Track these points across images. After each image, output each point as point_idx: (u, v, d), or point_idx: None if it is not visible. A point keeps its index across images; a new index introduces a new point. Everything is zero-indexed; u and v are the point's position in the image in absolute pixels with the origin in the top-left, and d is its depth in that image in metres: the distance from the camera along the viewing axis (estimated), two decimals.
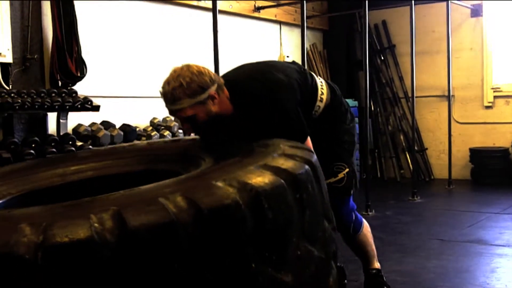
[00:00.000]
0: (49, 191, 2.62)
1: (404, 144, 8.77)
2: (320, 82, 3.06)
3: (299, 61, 6.81)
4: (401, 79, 8.86)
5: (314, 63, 8.74)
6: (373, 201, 6.16)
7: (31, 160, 3.72)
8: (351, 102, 8.29)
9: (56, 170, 2.75)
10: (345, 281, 3.41)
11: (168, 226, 1.53)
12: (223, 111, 2.67)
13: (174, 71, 2.58)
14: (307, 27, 6.91)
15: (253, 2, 7.62)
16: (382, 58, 9.01)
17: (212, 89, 2.59)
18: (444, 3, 7.76)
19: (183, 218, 1.56)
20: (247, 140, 2.42)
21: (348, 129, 3.18)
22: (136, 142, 3.25)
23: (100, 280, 1.45)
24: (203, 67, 2.62)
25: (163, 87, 2.58)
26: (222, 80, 2.69)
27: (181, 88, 2.53)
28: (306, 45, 6.25)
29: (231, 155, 2.16)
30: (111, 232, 1.47)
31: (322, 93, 3.02)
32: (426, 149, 8.71)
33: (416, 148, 7.57)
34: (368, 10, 6.20)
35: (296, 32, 8.21)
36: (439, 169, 8.62)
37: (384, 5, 8.40)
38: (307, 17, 6.34)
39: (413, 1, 6.89)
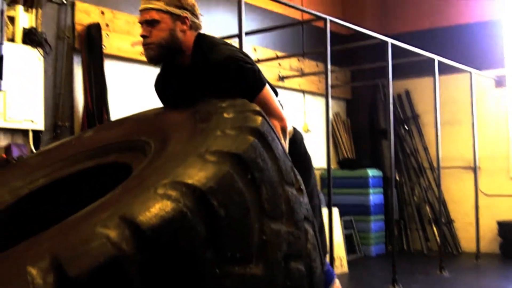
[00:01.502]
0: (2, 214, 2.43)
1: (430, 215, 8.63)
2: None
3: (323, 130, 6.80)
4: (425, 149, 8.81)
5: (337, 132, 8.74)
6: (399, 274, 6.01)
7: None
8: (375, 171, 8.24)
9: (5, 186, 2.55)
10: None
11: (111, 265, 1.38)
12: (179, 47, 2.59)
13: None
14: (331, 96, 6.92)
15: (277, 71, 7.68)
16: (406, 128, 8.99)
17: (188, 15, 2.56)
18: (468, 74, 7.78)
19: (127, 249, 1.41)
20: (191, 106, 2.28)
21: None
22: (81, 133, 3.01)
23: None
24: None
25: None
26: (201, 26, 2.64)
27: None
28: (330, 114, 6.24)
29: (172, 137, 2.04)
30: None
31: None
32: (453, 221, 8.57)
33: (442, 220, 7.45)
34: (392, 80, 6.21)
35: (320, 101, 8.24)
36: (467, 242, 8.45)
37: (407, 75, 8.45)
38: (331, 87, 6.36)
39: (436, 72, 6.92)
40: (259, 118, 2.00)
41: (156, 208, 1.50)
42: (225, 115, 2.02)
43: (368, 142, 9.06)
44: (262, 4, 6.82)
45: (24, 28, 4.82)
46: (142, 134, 2.34)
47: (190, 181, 1.60)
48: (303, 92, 8.29)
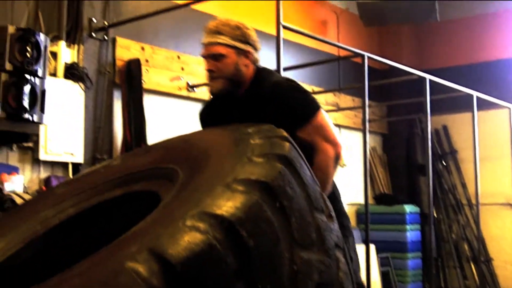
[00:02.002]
0: (34, 244, 2.42)
1: (468, 253, 8.48)
2: None
3: (360, 165, 6.77)
4: (463, 185, 8.70)
5: (374, 167, 8.69)
6: None
7: (5, 214, 3.42)
8: (412, 208, 8.15)
9: (36, 216, 2.54)
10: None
11: None
12: (242, 81, 2.62)
13: (228, 18, 2.61)
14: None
15: None
16: (444, 163, 8.90)
17: (251, 50, 2.58)
18: (507, 110, 7.70)
19: (157, 284, 1.38)
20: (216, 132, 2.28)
21: None
22: (110, 161, 3.00)
23: None
24: (254, 32, 2.64)
25: (209, 22, 2.59)
26: (259, 60, 2.67)
27: (227, 27, 2.55)
28: (367, 149, 6.21)
29: (199, 164, 2.00)
30: None
31: None
32: (492, 259, 8.40)
33: (481, 258, 7.32)
34: (430, 115, 6.18)
35: (356, 135, 8.22)
36: (506, 281, 8.25)
37: (445, 110, 8.39)
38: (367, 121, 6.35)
39: (475, 108, 6.86)
40: (287, 144, 1.97)
41: (185, 241, 1.48)
42: (252, 141, 1.99)
43: (405, 178, 8.97)
44: (300, 40, 6.87)
45: (66, 63, 4.94)
46: (169, 161, 2.32)
47: (218, 212, 1.58)
48: (339, 126, 8.28)
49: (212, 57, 2.60)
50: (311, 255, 1.76)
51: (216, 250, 1.49)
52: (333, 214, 1.98)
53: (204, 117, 2.92)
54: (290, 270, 1.66)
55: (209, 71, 2.64)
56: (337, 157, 2.63)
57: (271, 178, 1.75)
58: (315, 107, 2.64)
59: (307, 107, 2.62)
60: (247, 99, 2.68)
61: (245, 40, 2.59)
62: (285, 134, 2.07)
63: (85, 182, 2.71)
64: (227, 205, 1.60)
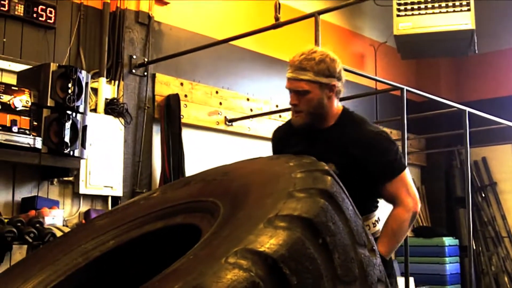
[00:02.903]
0: (75, 277, 2.43)
1: (508, 286, 8.31)
2: None
3: None
4: (503, 217, 8.55)
5: None
6: None
7: (45, 247, 3.52)
8: (451, 240, 8.04)
9: (77, 249, 2.53)
10: None
11: None
12: (325, 114, 2.63)
13: (311, 48, 2.59)
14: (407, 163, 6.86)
15: None
16: (483, 195, 8.77)
17: (336, 82, 2.57)
18: None
19: None
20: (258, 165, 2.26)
21: None
22: (149, 192, 2.98)
23: None
24: (338, 59, 2.62)
25: (294, 56, 2.57)
26: (343, 90, 2.67)
27: (311, 62, 2.52)
28: None
29: (241, 199, 1.98)
30: None
31: None
32: None
33: None
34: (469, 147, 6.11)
35: None
36: None
37: (484, 142, 8.28)
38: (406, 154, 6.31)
39: None
40: (329, 179, 1.94)
41: (228, 279, 1.47)
42: (293, 175, 1.98)
43: (444, 210, 8.85)
44: None
45: (106, 99, 5.05)
46: (209, 194, 2.31)
47: (261, 249, 1.55)
48: None
49: (295, 92, 2.62)
50: None
51: (259, 287, 1.47)
52: (375, 247, 1.95)
53: (278, 138, 2.95)
54: None
55: (293, 105, 2.66)
56: (415, 215, 2.66)
57: (313, 214, 1.73)
58: (404, 162, 2.73)
59: (399, 161, 2.67)
60: (330, 134, 2.69)
61: (329, 73, 2.58)
62: (326, 167, 2.06)
63: (125, 214, 2.72)
64: (270, 242, 1.58)
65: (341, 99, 6.75)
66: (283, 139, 2.89)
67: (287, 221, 1.68)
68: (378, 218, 2.80)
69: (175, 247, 2.11)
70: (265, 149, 5.94)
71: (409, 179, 2.67)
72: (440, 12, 6.35)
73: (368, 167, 2.58)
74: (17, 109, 4.03)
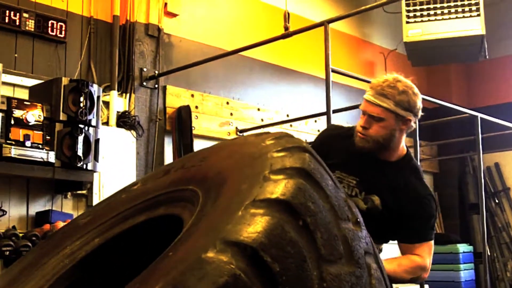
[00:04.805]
0: (63, 279, 2.34)
1: None
2: None
3: None
4: None
5: None
6: None
7: (31, 252, 3.52)
8: (465, 246, 7.98)
9: (63, 251, 2.48)
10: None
11: None
12: (391, 146, 2.59)
13: (397, 76, 2.54)
14: None
15: None
16: (497, 201, 8.73)
17: (412, 118, 2.53)
18: None
19: None
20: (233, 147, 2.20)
21: None
22: (130, 184, 2.91)
23: None
24: (420, 95, 2.58)
25: (377, 79, 2.53)
26: (414, 126, 2.63)
27: (394, 90, 2.47)
28: None
29: (218, 185, 1.90)
30: None
31: None
32: None
33: None
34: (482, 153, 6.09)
35: None
36: None
37: (496, 148, 8.24)
38: (419, 161, 6.30)
39: None
40: (306, 155, 1.85)
41: (209, 275, 1.42)
42: (269, 155, 1.88)
43: (457, 216, 8.81)
44: (348, 81, 6.88)
45: (118, 112, 5.06)
46: (189, 182, 2.22)
47: (240, 239, 1.51)
48: None
49: (370, 116, 2.56)
50: (340, 268, 1.66)
51: (241, 280, 1.42)
52: (360, 219, 1.85)
53: (329, 138, 2.86)
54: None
55: (363, 127, 2.59)
56: (422, 277, 2.73)
57: (291, 195, 1.66)
58: (433, 233, 2.75)
59: (433, 227, 2.71)
60: (388, 170, 2.65)
61: (409, 107, 2.52)
62: (303, 144, 1.96)
63: (107, 209, 2.65)
64: (248, 231, 1.53)
65: (353, 107, 6.76)
66: (333, 141, 2.81)
67: (264, 206, 1.62)
68: (382, 248, 2.85)
69: (160, 239, 2.07)
70: None
71: (431, 249, 2.73)
72: (450, 18, 6.35)
73: (408, 222, 2.59)
74: (30, 123, 4.06)
